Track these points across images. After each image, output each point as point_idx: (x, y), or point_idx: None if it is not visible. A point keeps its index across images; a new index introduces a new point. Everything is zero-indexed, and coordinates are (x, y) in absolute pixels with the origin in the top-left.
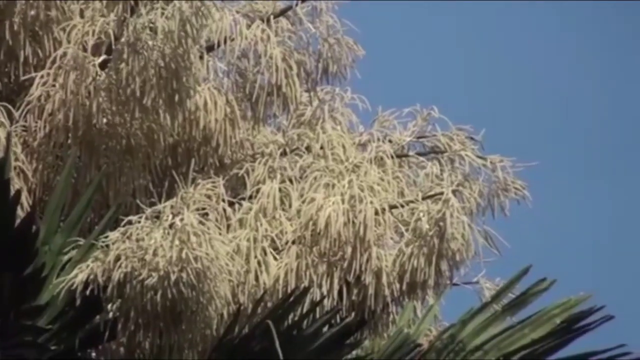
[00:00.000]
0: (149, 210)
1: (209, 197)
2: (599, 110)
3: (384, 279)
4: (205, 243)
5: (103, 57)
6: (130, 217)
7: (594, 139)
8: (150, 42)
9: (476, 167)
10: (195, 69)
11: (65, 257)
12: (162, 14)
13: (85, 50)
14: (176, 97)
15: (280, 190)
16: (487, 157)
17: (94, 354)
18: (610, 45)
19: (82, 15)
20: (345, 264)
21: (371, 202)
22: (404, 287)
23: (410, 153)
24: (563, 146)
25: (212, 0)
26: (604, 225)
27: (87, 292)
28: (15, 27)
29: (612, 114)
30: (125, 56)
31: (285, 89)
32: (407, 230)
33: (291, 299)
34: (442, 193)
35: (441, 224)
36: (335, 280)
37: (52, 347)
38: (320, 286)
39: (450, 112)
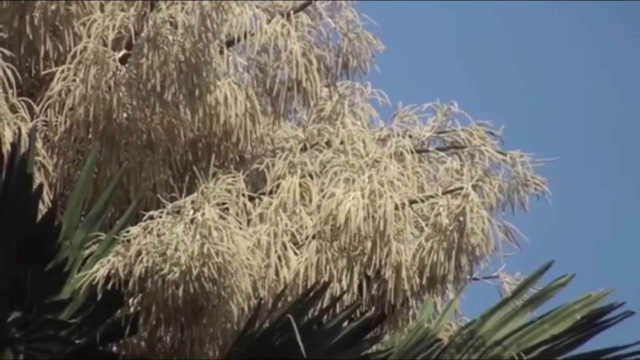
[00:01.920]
0: (170, 205)
1: (229, 192)
2: (621, 107)
3: (404, 274)
4: (226, 238)
5: (123, 51)
6: (151, 212)
7: (615, 135)
8: (170, 37)
9: (496, 162)
10: (216, 63)
11: (87, 252)
12: (182, 8)
13: (105, 45)
14: (196, 92)
15: (300, 185)
16: (507, 152)
17: (115, 348)
18: (633, 43)
19: (102, 10)
20: (365, 259)
21: (391, 197)
22: (424, 281)
23: (430, 148)
24: (583, 142)
25: None
26: (625, 220)
27: (109, 287)
28: (36, 22)
29: (634, 110)
30: (145, 51)
31: (306, 84)
32: (427, 225)
33: (311, 293)
34: (462, 188)
35: (461, 218)
36: (355, 275)
37: (75, 341)
38: (340, 281)
39: (470, 108)
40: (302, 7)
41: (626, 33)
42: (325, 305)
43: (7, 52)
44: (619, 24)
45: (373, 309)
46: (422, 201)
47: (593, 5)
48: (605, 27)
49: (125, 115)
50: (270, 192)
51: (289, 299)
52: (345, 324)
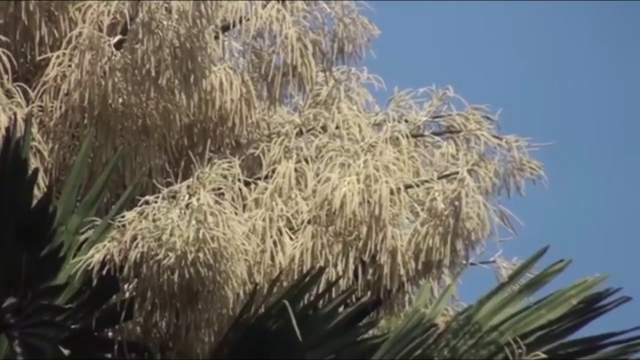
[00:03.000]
0: (165, 190)
1: (224, 177)
2: (615, 90)
3: (399, 259)
4: (221, 223)
5: (118, 37)
6: (146, 197)
7: (611, 119)
8: (165, 22)
9: (492, 146)
10: (211, 49)
11: (82, 237)
12: None
13: (100, 30)
14: (191, 77)
15: (295, 170)
16: (502, 136)
17: (110, 334)
18: (629, 27)
19: None
20: (361, 244)
21: (386, 182)
22: (420, 266)
23: (426, 133)
24: (579, 126)
25: None
26: (621, 205)
27: (104, 272)
28: (31, 7)
29: (629, 94)
30: (140, 36)
31: (301, 69)
32: (422, 209)
33: (307, 278)
34: (457, 172)
35: (456, 203)
36: (351, 260)
37: (71, 327)
38: (335, 266)
39: (466, 92)
40: None
41: (625, 18)
42: (320, 290)
43: (2, 38)
44: (619, 9)
45: (369, 294)
46: (418, 186)
47: None
48: (604, 13)
49: (120, 100)
50: (266, 177)
51: (285, 284)
52: (341, 309)
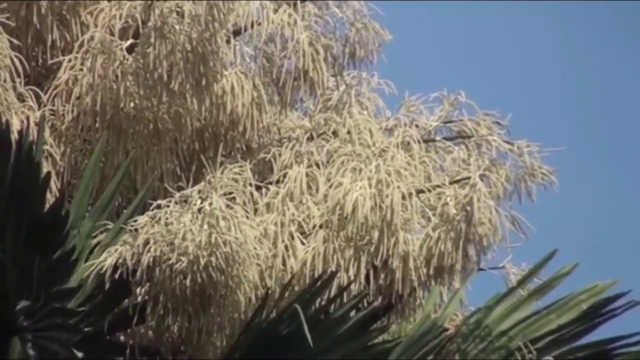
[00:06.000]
0: (177, 195)
1: (236, 181)
2: (628, 96)
3: (411, 263)
4: (233, 227)
5: (130, 41)
6: (158, 201)
7: (622, 125)
8: (177, 26)
9: (503, 152)
10: (222, 53)
11: (94, 241)
12: None
13: (112, 34)
14: (203, 82)
15: (307, 174)
16: (513, 142)
17: (122, 337)
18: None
19: None
20: (373, 248)
21: (398, 187)
22: (431, 271)
23: (437, 138)
24: (590, 131)
25: None
26: (631, 210)
27: (116, 276)
28: (43, 11)
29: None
30: (152, 40)
31: (312, 74)
32: (434, 214)
33: (318, 283)
34: (469, 178)
35: (468, 208)
36: (362, 265)
37: (83, 330)
38: (347, 270)
39: (477, 97)
40: None
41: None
42: (332, 295)
43: (14, 41)
44: (628, 13)
45: (380, 298)
46: (429, 191)
47: None
48: (614, 16)
49: (132, 104)
50: (277, 182)
51: (296, 288)
52: (352, 313)
